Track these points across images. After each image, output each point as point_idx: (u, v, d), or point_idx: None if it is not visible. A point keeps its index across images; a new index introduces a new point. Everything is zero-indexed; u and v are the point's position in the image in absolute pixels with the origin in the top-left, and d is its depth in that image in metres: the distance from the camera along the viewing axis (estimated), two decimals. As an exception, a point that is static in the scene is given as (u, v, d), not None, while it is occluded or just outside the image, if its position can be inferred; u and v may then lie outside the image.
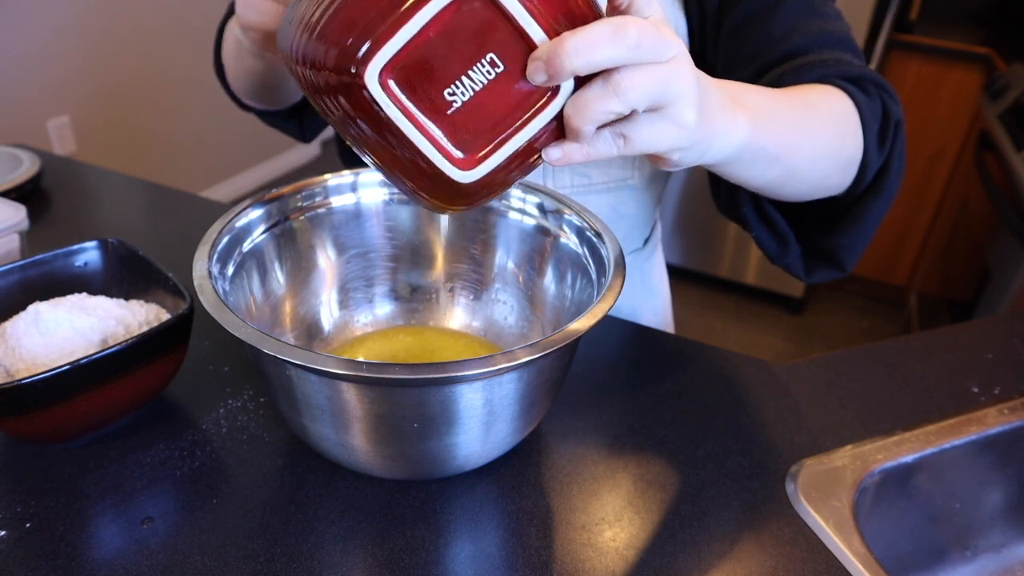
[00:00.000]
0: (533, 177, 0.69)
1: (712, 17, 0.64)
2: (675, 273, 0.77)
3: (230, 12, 0.74)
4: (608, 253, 0.53)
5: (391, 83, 0.35)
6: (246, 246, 0.56)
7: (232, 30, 0.67)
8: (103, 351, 0.50)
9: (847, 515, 0.51)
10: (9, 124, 2.03)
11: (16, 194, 0.88)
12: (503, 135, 0.37)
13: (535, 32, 0.35)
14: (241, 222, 0.55)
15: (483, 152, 0.37)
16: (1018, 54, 1.86)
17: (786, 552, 0.49)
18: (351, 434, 0.47)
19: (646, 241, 0.83)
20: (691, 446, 0.57)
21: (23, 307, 0.55)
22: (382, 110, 0.35)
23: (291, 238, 0.60)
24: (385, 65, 0.34)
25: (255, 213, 0.57)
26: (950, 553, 0.64)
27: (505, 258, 0.63)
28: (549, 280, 0.61)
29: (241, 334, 0.42)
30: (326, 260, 0.62)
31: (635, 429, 0.58)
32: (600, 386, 0.63)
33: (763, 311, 2.40)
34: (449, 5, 0.34)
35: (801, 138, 0.49)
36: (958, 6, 2.32)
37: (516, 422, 0.49)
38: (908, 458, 0.56)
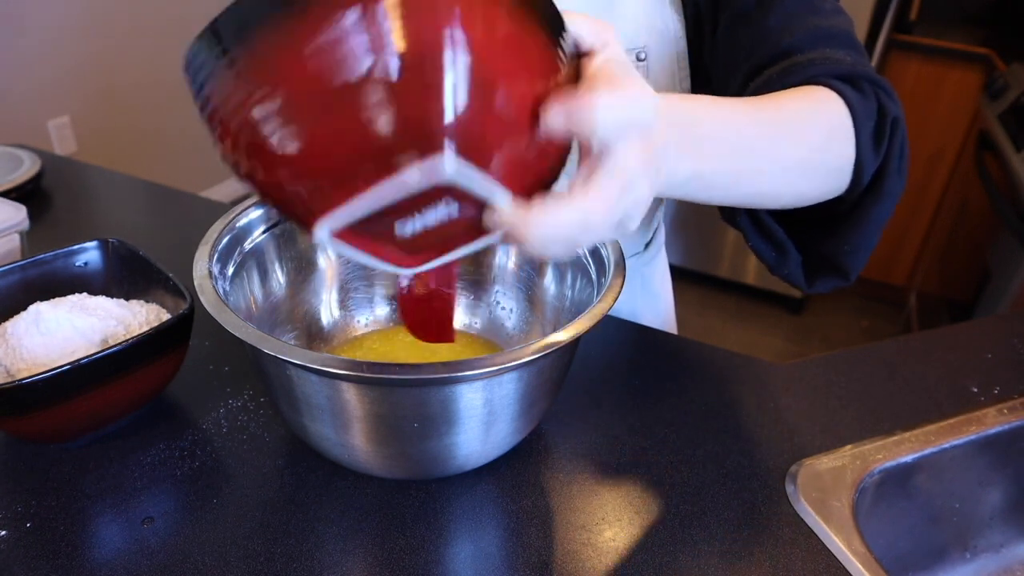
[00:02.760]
0: None
1: (707, 14, 0.63)
2: (675, 273, 0.77)
3: None
4: (608, 253, 0.53)
5: (339, 237, 0.34)
6: (246, 246, 0.56)
7: None
8: (103, 351, 0.50)
9: (847, 515, 0.51)
10: (10, 124, 2.03)
11: (16, 194, 0.88)
12: (449, 250, 0.37)
13: (497, 198, 0.34)
14: (241, 222, 0.55)
15: (427, 257, 0.37)
16: (1018, 54, 1.86)
17: (786, 552, 0.49)
18: (351, 434, 0.47)
19: (647, 245, 0.82)
20: (691, 446, 0.57)
21: (24, 307, 0.55)
22: (327, 243, 0.35)
23: (291, 238, 0.60)
24: (337, 228, 0.33)
25: (255, 213, 0.57)
26: (950, 553, 0.64)
27: (505, 258, 0.63)
28: (549, 280, 0.61)
29: (241, 334, 0.42)
30: (326, 260, 0.62)
31: (635, 429, 0.58)
32: (600, 386, 0.63)
33: (763, 311, 2.40)
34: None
35: (763, 159, 0.48)
36: (958, 6, 2.32)
37: (516, 422, 0.49)
38: (908, 458, 0.56)
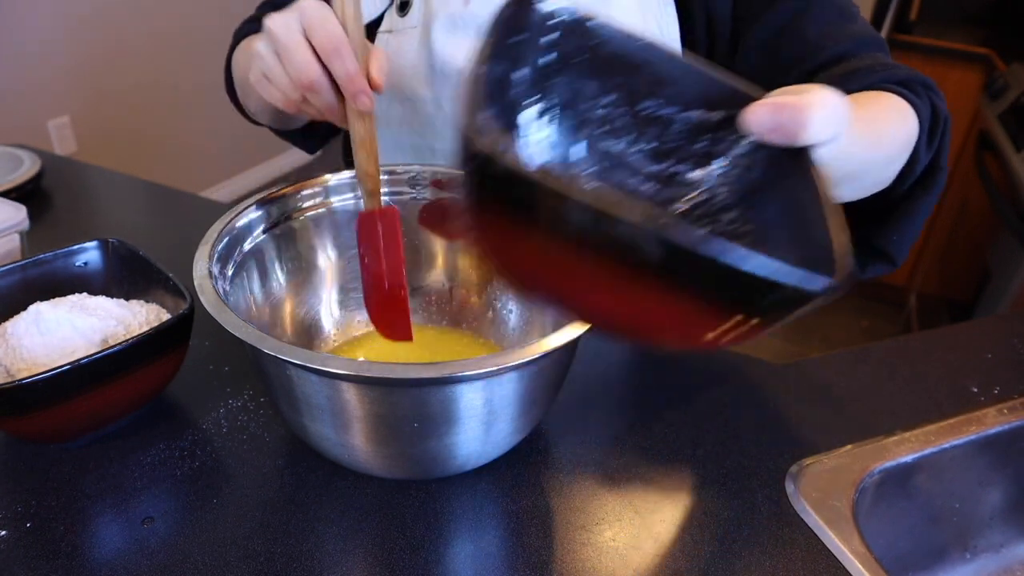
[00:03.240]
0: None
1: (724, 23, 0.64)
2: (675, 273, 0.78)
3: (245, 29, 0.74)
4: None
5: None
6: (246, 246, 0.56)
7: (250, 51, 0.67)
8: (103, 351, 0.50)
9: (847, 515, 0.51)
10: (10, 124, 2.03)
11: (17, 194, 0.88)
12: None
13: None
14: (241, 222, 0.55)
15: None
16: (1018, 54, 1.86)
17: (786, 552, 0.49)
18: (351, 434, 0.47)
19: None
20: (691, 446, 0.57)
21: (24, 307, 0.55)
22: None
23: (291, 238, 0.60)
24: None
25: (255, 213, 0.57)
26: (950, 553, 0.64)
27: (505, 258, 0.63)
28: (549, 280, 0.61)
29: (241, 334, 0.42)
30: (326, 260, 0.62)
31: (635, 428, 0.58)
32: (600, 386, 0.63)
33: (763, 311, 2.39)
34: None
35: (879, 151, 0.52)
36: (958, 6, 2.32)
37: (516, 422, 0.49)
38: (908, 458, 0.56)
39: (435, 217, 0.63)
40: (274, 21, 0.49)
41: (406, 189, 0.64)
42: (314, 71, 0.49)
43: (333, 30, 0.47)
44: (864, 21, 0.62)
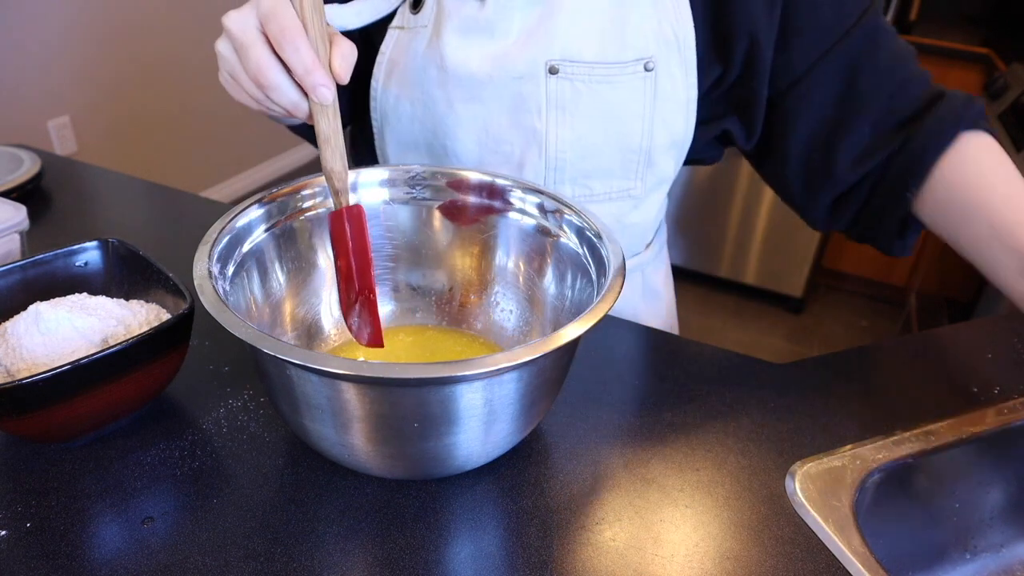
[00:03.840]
0: (533, 173, 0.69)
1: (766, 47, 0.65)
2: (675, 273, 0.78)
3: None
4: (608, 253, 0.53)
5: None
6: (246, 246, 0.56)
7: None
8: (103, 351, 0.50)
9: (847, 515, 0.51)
10: (10, 124, 2.03)
11: (17, 194, 0.88)
12: None
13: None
14: (241, 222, 0.55)
15: None
16: (1017, 54, 1.86)
17: (786, 552, 0.49)
18: (351, 434, 0.47)
19: (648, 244, 0.82)
20: (691, 446, 0.57)
21: (24, 307, 0.55)
22: None
23: (291, 238, 0.60)
24: None
25: (255, 213, 0.57)
26: (950, 553, 0.64)
27: (505, 258, 0.63)
28: (549, 280, 0.61)
29: (241, 334, 0.42)
30: (326, 260, 0.62)
31: (635, 429, 0.58)
32: (600, 386, 0.63)
33: (763, 311, 2.40)
34: None
35: None
36: (957, 6, 2.33)
37: (516, 422, 0.49)
38: (908, 458, 0.56)
39: (451, 214, 0.64)
40: (231, 19, 0.48)
41: (407, 189, 0.64)
42: (271, 68, 0.47)
43: (285, 21, 0.46)
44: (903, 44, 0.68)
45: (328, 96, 0.48)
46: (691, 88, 0.67)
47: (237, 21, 0.48)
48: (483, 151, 0.69)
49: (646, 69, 0.65)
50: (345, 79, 0.49)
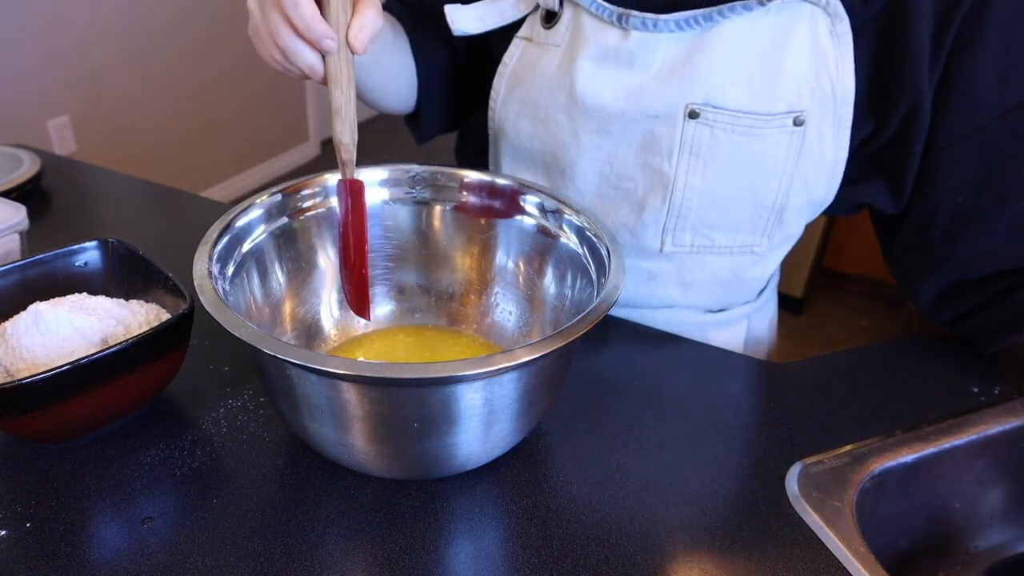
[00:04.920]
0: (653, 216, 0.65)
1: (924, 118, 0.58)
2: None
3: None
4: (608, 253, 0.53)
5: None
6: (246, 246, 0.56)
7: None
8: (103, 351, 0.49)
9: (847, 515, 0.51)
10: (9, 124, 2.03)
11: (16, 194, 0.88)
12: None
13: None
14: (241, 222, 0.55)
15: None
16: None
17: (786, 552, 0.49)
18: (351, 434, 0.47)
19: (760, 292, 0.78)
20: (691, 446, 0.57)
21: (23, 307, 0.55)
22: None
23: (291, 238, 0.60)
24: None
25: (255, 213, 0.57)
26: (950, 553, 0.64)
27: (505, 258, 0.63)
28: (549, 280, 0.61)
29: (241, 334, 0.42)
30: (326, 260, 0.62)
31: (635, 429, 0.58)
32: (600, 386, 0.63)
33: (763, 311, 2.39)
34: None
35: None
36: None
37: (516, 422, 0.49)
38: (908, 458, 0.56)
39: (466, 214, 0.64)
40: None
41: (407, 189, 0.64)
42: (283, 27, 0.48)
43: None
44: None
45: (332, 47, 0.49)
46: (841, 149, 0.61)
47: None
48: (604, 184, 0.66)
49: (795, 124, 0.59)
50: (360, 49, 0.49)
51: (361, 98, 0.71)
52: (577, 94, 0.62)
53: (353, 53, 0.49)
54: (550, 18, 0.64)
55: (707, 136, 0.60)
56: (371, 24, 0.49)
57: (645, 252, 0.68)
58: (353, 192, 0.55)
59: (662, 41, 0.59)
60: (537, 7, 0.65)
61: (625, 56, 0.60)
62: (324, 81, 0.51)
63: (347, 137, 0.52)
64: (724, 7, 0.57)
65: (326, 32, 0.48)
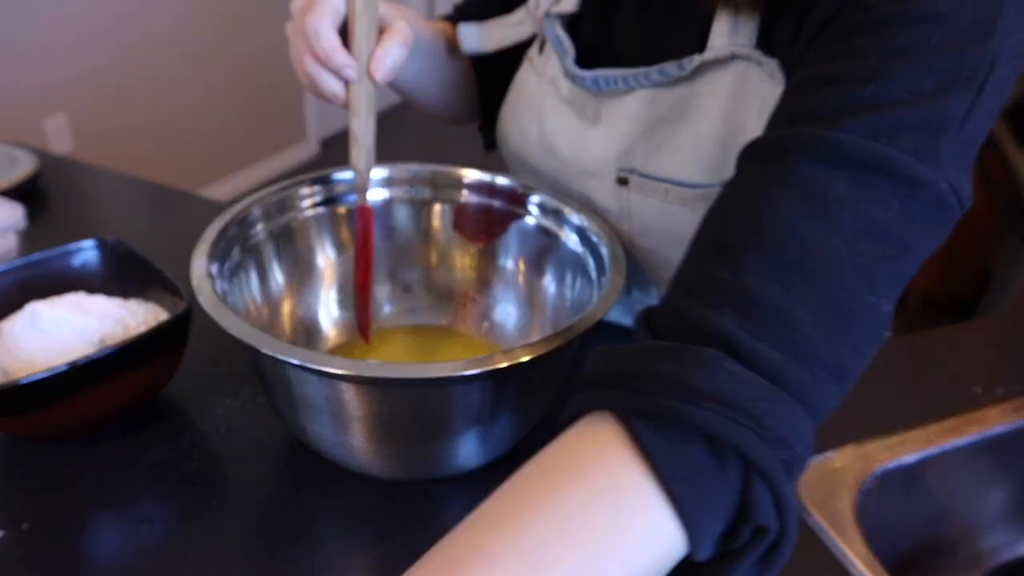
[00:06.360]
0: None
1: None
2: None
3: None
4: (608, 253, 0.52)
5: None
6: (245, 246, 0.55)
7: None
8: (101, 351, 0.49)
9: (848, 515, 0.51)
10: (6, 123, 2.03)
11: (13, 193, 0.88)
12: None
13: None
14: (240, 222, 0.55)
15: None
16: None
17: (787, 553, 0.48)
18: (350, 434, 0.47)
19: None
20: (692, 446, 0.57)
21: (20, 307, 0.55)
22: None
23: (290, 238, 0.60)
24: None
25: (254, 213, 0.56)
26: (951, 553, 0.64)
27: (505, 258, 0.63)
28: (549, 280, 0.60)
29: (239, 334, 0.42)
30: (325, 260, 0.62)
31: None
32: (600, 386, 0.63)
33: (762, 310, 2.39)
34: None
35: None
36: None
37: (516, 422, 0.49)
38: (909, 458, 0.56)
39: (462, 221, 0.64)
40: (295, 4, 0.51)
41: (407, 189, 0.63)
42: (307, 55, 0.50)
43: (317, 8, 0.48)
44: None
45: (353, 76, 0.49)
46: None
47: (297, 7, 0.51)
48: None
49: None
50: (381, 79, 0.50)
51: (428, 111, 0.73)
52: (546, 127, 0.61)
53: (374, 83, 0.50)
54: (542, 47, 0.63)
55: (638, 202, 0.56)
56: (393, 55, 0.50)
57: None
58: (361, 218, 0.55)
59: (603, 97, 0.56)
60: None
61: (578, 104, 0.58)
62: (346, 106, 0.52)
63: (362, 164, 0.53)
64: (639, 71, 0.52)
65: (346, 62, 0.49)
